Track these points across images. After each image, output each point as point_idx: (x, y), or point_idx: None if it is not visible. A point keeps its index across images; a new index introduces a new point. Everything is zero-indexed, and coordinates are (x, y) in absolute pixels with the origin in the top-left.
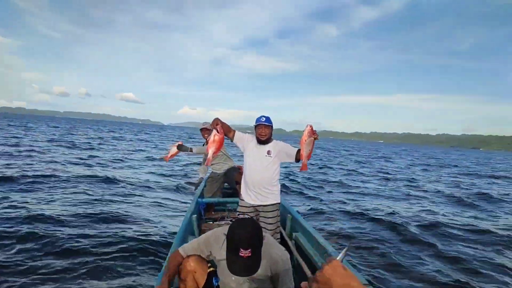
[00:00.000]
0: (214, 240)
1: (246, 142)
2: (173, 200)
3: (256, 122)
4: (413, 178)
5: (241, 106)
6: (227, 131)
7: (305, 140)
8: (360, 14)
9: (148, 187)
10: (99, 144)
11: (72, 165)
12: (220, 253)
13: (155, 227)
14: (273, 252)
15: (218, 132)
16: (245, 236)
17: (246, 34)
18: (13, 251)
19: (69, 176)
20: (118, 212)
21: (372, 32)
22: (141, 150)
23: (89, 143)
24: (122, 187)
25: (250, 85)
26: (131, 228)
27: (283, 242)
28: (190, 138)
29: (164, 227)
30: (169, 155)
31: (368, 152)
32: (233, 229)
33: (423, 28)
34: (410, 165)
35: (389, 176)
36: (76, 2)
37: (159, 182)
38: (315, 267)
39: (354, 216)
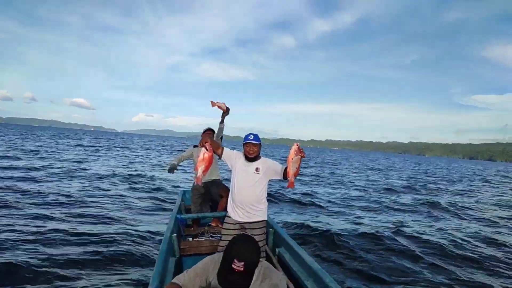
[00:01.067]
0: (214, 266)
1: (234, 159)
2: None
3: (244, 140)
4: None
5: (199, 113)
6: (216, 148)
7: (292, 159)
8: (314, 27)
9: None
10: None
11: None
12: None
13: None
14: (274, 277)
15: (207, 150)
16: (243, 249)
17: (203, 42)
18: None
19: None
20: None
21: (325, 44)
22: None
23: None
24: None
25: (208, 92)
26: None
27: (266, 258)
28: (146, 147)
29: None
30: (217, 103)
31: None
32: (233, 240)
33: (371, 43)
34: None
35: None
36: (18, 0)
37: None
38: (299, 283)
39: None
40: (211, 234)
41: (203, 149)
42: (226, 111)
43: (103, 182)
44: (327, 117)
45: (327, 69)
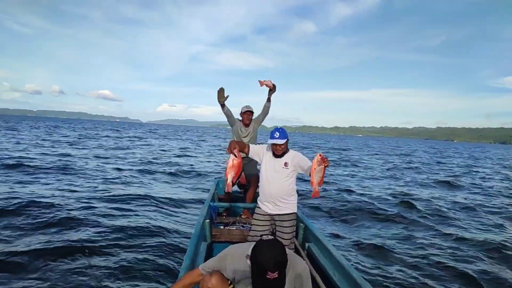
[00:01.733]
0: (230, 260)
1: (262, 154)
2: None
3: (270, 138)
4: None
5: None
6: (242, 148)
7: (315, 168)
8: (336, 11)
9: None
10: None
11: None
12: (233, 273)
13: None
14: (297, 267)
15: (236, 156)
16: (273, 259)
17: (223, 31)
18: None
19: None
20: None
21: (347, 29)
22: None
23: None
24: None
25: (229, 81)
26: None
27: (296, 252)
28: (170, 136)
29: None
30: (264, 81)
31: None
32: (259, 252)
33: (395, 26)
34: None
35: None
36: None
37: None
38: (328, 279)
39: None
40: (241, 224)
41: (232, 155)
42: (273, 89)
43: (134, 169)
44: (350, 103)
45: (350, 55)
